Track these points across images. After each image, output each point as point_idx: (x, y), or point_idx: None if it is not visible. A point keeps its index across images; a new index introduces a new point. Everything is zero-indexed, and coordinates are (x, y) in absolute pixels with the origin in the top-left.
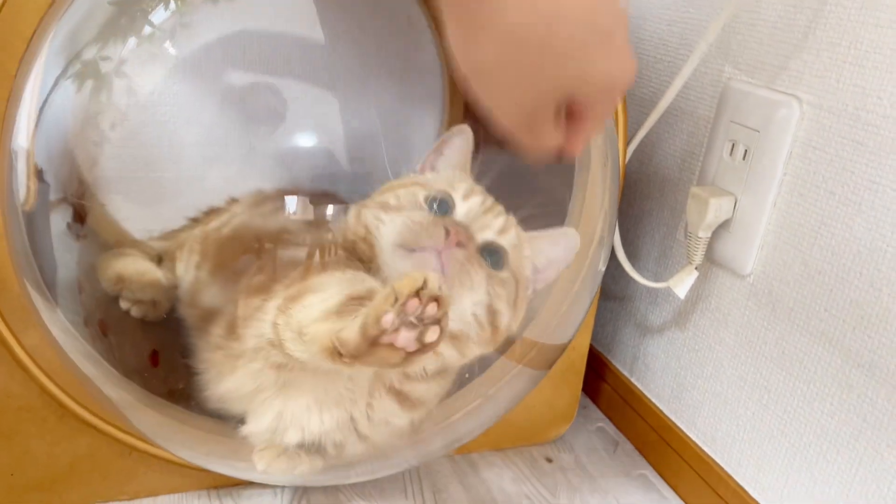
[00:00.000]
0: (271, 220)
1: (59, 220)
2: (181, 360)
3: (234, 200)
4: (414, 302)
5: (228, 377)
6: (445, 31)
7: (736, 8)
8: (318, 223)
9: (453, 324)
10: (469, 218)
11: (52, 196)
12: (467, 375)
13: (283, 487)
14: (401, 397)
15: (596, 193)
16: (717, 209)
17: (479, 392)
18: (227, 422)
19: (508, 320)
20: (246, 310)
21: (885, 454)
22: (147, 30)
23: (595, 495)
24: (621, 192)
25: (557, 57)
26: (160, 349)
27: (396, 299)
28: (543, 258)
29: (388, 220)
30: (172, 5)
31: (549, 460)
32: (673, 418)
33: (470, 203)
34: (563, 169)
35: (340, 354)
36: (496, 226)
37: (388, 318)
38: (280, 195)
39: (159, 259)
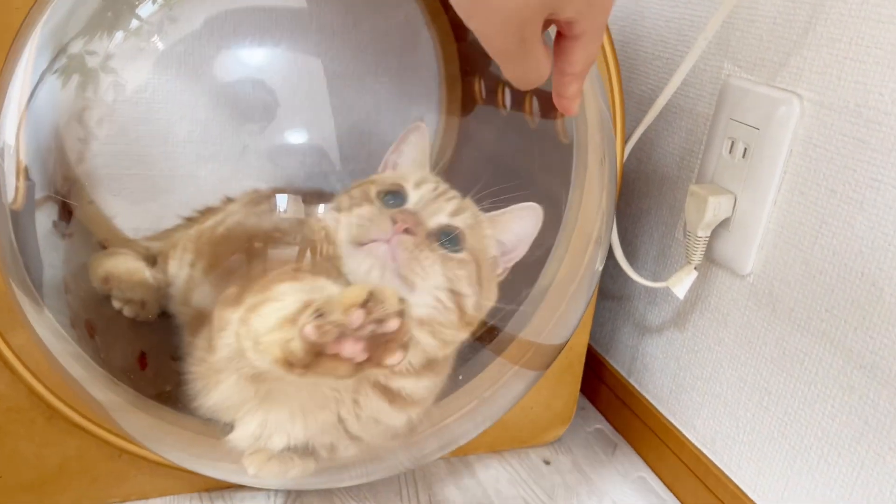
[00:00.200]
0: (265, 219)
1: (44, 219)
2: (170, 363)
3: (229, 200)
4: (359, 313)
5: (213, 391)
6: None
7: (735, 4)
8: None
9: (420, 310)
10: (420, 205)
11: (38, 194)
12: (461, 377)
13: (275, 490)
14: (390, 395)
15: (593, 192)
16: (716, 208)
17: (475, 394)
18: (217, 424)
19: (475, 301)
20: (220, 321)
21: (888, 457)
22: (134, 23)
23: (593, 498)
24: (619, 191)
25: None
26: (149, 351)
27: (327, 312)
28: (511, 235)
29: (342, 219)
30: None
31: (547, 462)
32: (671, 420)
33: (422, 191)
34: (560, 167)
35: (292, 364)
36: (449, 208)
37: (317, 330)
38: (275, 194)
39: (153, 259)
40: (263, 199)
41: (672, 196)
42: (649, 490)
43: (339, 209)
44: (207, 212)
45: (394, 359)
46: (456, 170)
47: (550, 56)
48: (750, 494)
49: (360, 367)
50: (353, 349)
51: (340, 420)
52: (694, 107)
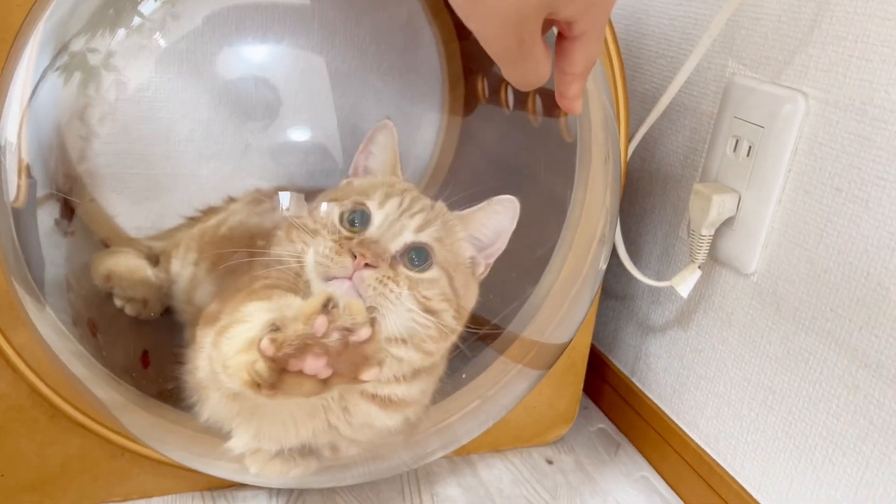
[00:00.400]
0: (267, 219)
1: (46, 217)
2: (172, 361)
3: (231, 199)
4: (321, 320)
5: (205, 404)
6: None
7: (739, 2)
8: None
9: (396, 330)
10: (384, 227)
11: (40, 192)
12: (464, 376)
13: (278, 490)
14: (380, 401)
15: (597, 191)
16: (720, 206)
17: (477, 392)
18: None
19: (453, 312)
20: (200, 340)
21: (893, 457)
22: (136, 21)
23: (595, 497)
24: (623, 190)
25: None
26: (151, 349)
27: (285, 324)
28: (488, 231)
29: (308, 248)
30: None
31: (550, 462)
32: (675, 419)
33: (386, 209)
34: (563, 166)
35: (259, 386)
36: (414, 225)
37: (272, 343)
38: (278, 192)
39: (155, 258)
40: (266, 197)
41: (676, 195)
42: (652, 490)
43: (306, 231)
44: (210, 211)
45: (369, 374)
46: (458, 169)
47: (551, 56)
48: (754, 494)
49: (326, 383)
50: (314, 365)
51: (331, 427)
52: (698, 105)
